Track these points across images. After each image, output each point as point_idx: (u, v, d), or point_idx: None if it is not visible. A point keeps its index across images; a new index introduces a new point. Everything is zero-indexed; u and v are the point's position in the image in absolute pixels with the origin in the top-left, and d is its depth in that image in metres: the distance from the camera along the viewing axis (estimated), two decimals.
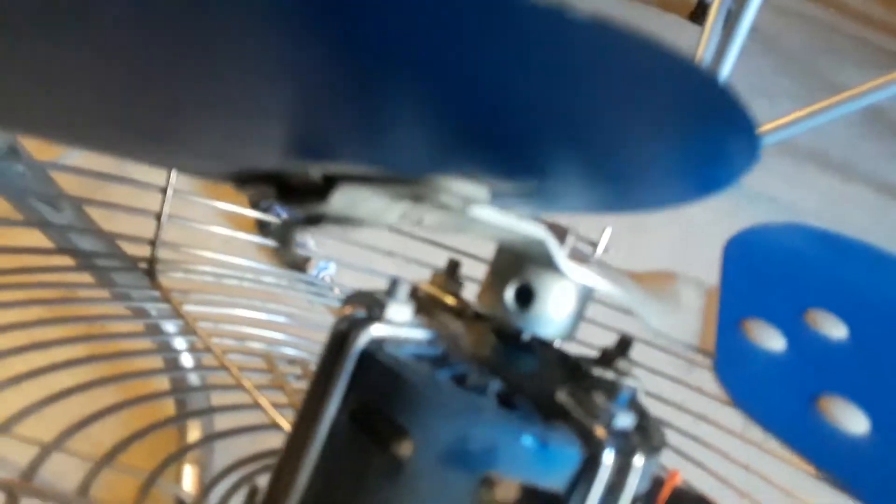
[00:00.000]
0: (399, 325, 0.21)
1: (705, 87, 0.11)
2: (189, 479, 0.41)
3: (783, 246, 0.27)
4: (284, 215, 0.64)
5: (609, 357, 0.25)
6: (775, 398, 0.19)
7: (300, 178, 0.17)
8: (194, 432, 0.35)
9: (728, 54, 0.98)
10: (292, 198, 0.17)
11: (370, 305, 0.21)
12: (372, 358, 0.20)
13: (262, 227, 0.66)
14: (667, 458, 0.41)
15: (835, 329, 0.22)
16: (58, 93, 0.13)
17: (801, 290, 0.24)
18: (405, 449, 0.19)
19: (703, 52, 1.03)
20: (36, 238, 0.38)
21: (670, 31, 1.44)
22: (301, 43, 0.11)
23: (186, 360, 0.35)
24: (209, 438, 0.30)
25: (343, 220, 0.17)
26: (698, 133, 0.13)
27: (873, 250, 0.28)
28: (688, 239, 0.90)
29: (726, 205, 1.03)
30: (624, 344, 0.25)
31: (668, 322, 0.22)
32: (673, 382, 0.45)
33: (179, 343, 0.36)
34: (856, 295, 0.25)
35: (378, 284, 0.24)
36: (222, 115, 0.14)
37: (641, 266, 0.34)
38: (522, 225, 0.19)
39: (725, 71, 1.00)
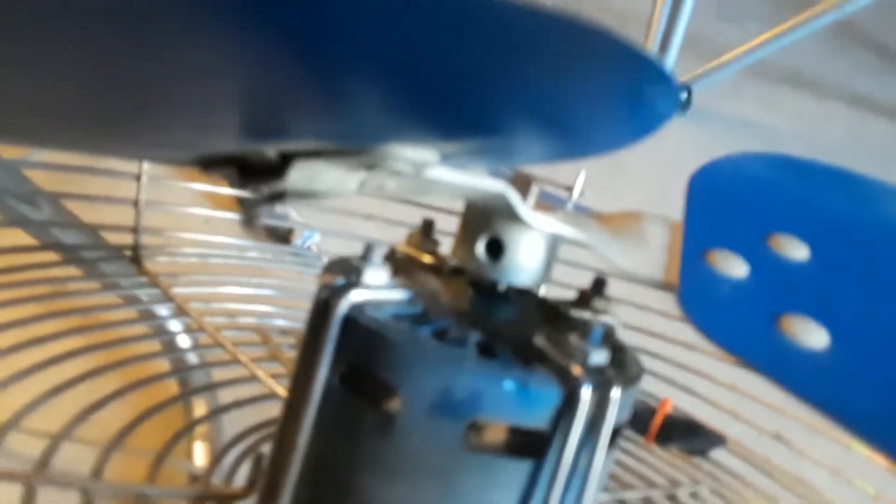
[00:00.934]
0: (377, 289, 0.21)
1: (630, 56, 0.12)
2: (200, 454, 0.42)
3: (746, 175, 0.28)
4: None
5: (585, 298, 0.25)
6: (737, 321, 0.20)
7: (258, 158, 0.18)
8: (199, 410, 0.37)
9: None
10: (253, 177, 0.18)
11: (348, 272, 0.22)
12: (355, 322, 0.21)
13: (242, 204, 0.66)
14: (658, 388, 0.42)
15: (797, 251, 0.23)
16: (21, 94, 0.14)
17: (763, 216, 0.25)
18: (394, 405, 0.20)
19: None
20: (18, 237, 0.39)
21: None
22: (247, 34, 0.11)
23: (182, 341, 0.36)
24: (213, 413, 0.31)
25: (304, 194, 0.17)
26: (626, 92, 0.13)
27: (836, 171, 0.29)
28: (666, 174, 0.91)
29: (702, 136, 1.03)
30: (599, 284, 0.26)
31: (633, 259, 0.23)
32: (660, 315, 0.46)
33: (173, 325, 0.37)
34: (818, 216, 0.26)
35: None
36: (179, 106, 0.14)
37: (621, 206, 0.35)
38: (481, 181, 0.20)
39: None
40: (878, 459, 0.29)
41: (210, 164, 0.18)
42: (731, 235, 0.23)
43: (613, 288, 0.32)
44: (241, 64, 0.12)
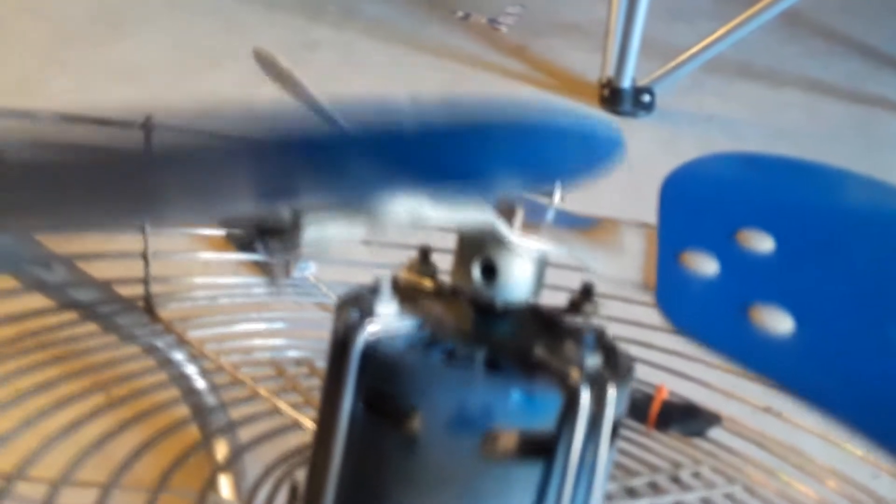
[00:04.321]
0: (389, 319, 0.24)
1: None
2: (226, 488, 0.44)
3: (712, 176, 0.30)
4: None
5: (576, 304, 0.28)
6: (710, 315, 0.22)
7: (275, 217, 0.20)
8: (222, 449, 0.39)
9: None
10: (270, 235, 0.20)
11: (361, 306, 0.24)
12: (373, 352, 0.23)
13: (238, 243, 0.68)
14: (653, 375, 0.45)
15: (763, 243, 0.26)
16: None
17: (730, 214, 0.27)
18: (415, 424, 0.23)
19: None
20: (38, 300, 0.41)
21: None
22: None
23: (202, 383, 0.38)
24: (239, 451, 0.34)
25: (316, 245, 0.20)
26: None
27: (793, 163, 0.32)
28: (637, 172, 0.94)
29: (667, 133, 1.06)
30: (587, 290, 0.28)
31: (613, 266, 0.25)
32: (649, 307, 0.49)
33: (192, 369, 0.39)
34: (780, 208, 0.28)
35: (358, 274, 0.27)
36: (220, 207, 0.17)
37: (597, 205, 0.37)
38: (471, 214, 0.22)
39: (643, 1, 1.03)
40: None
41: (232, 225, 0.20)
42: (701, 236, 0.26)
43: (601, 285, 0.35)
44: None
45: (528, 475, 0.23)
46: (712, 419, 0.42)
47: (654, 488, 0.34)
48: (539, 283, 0.26)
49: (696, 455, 0.39)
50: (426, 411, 0.22)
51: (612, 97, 1.08)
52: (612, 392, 0.23)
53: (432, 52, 1.22)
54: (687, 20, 1.28)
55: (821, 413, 0.20)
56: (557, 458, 0.23)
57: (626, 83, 1.07)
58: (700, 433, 0.42)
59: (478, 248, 0.25)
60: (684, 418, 0.42)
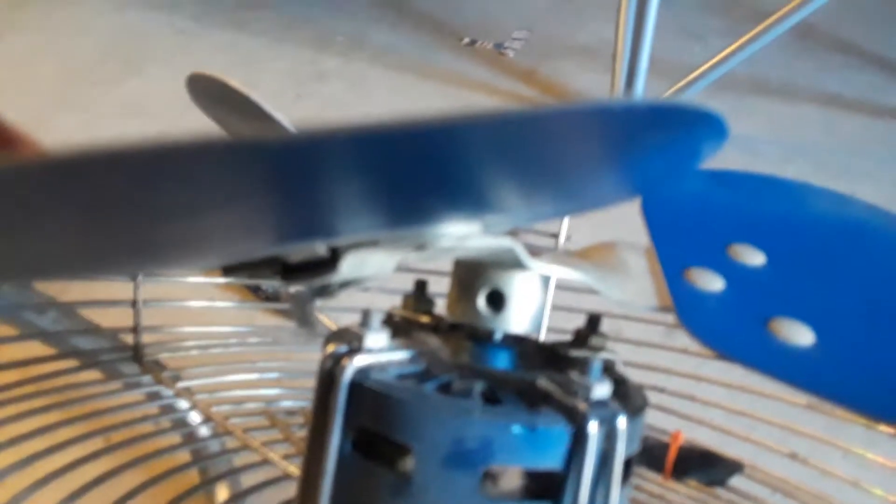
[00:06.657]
0: (379, 352, 0.22)
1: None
2: None
3: (690, 194, 0.29)
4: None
5: (582, 337, 0.26)
6: (732, 331, 0.21)
7: (303, 255, 0.18)
8: (218, 499, 0.36)
9: (650, 3, 1.02)
10: (297, 275, 0.19)
11: (349, 340, 0.22)
12: (361, 387, 0.21)
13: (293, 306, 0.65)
14: (669, 422, 0.42)
15: (755, 258, 0.24)
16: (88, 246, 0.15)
17: (717, 230, 0.26)
18: (408, 464, 0.21)
19: (627, 5, 1.06)
20: (26, 347, 0.39)
21: None
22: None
23: (193, 434, 0.36)
24: (231, 502, 0.31)
25: (350, 284, 0.18)
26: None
27: (765, 179, 0.30)
28: None
29: None
30: (593, 322, 0.26)
31: (628, 291, 0.23)
32: (659, 349, 0.47)
33: (182, 419, 0.37)
34: (762, 224, 0.27)
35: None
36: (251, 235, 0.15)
37: (609, 231, 0.35)
38: (496, 241, 0.21)
39: (650, 20, 1.03)
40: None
41: (243, 268, 0.18)
42: (697, 253, 0.24)
43: (608, 327, 0.33)
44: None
45: None
46: (733, 466, 0.40)
47: None
48: (542, 313, 0.25)
49: None
50: (420, 448, 0.20)
51: None
52: (622, 424, 0.21)
53: (440, 79, 1.22)
54: (699, 38, 1.28)
55: (855, 412, 0.19)
56: (565, 499, 0.21)
57: None
58: (721, 482, 0.39)
59: (481, 277, 0.24)
60: (703, 466, 0.40)
